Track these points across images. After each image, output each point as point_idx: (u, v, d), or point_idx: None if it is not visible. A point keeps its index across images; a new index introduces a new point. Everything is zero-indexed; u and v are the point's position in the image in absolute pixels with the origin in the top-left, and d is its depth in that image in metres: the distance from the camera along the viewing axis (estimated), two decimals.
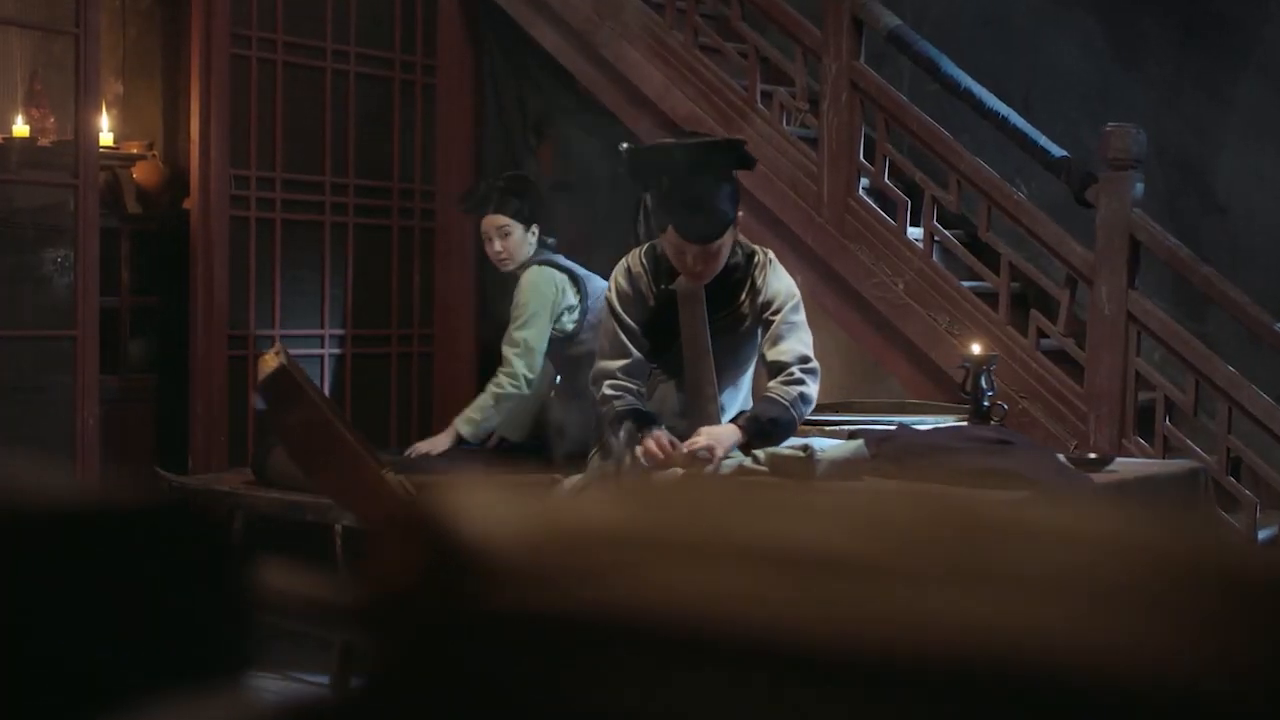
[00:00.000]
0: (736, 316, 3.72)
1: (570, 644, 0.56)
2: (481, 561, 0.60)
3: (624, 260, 3.78)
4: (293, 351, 4.55)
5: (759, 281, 3.71)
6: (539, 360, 4.98)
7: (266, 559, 0.85)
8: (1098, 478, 3.49)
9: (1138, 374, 5.01)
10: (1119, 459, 3.92)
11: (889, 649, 0.48)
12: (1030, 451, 3.35)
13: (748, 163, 3.73)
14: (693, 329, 3.65)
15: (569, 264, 5.15)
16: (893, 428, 3.60)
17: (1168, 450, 4.96)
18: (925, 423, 3.86)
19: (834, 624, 0.49)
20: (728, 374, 3.75)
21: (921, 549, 0.50)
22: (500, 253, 5.11)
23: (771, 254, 3.80)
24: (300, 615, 0.85)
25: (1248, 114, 5.81)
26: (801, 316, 3.71)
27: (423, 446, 5.07)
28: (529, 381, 4.95)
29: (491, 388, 5.03)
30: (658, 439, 3.49)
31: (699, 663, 0.52)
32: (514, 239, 5.10)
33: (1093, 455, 3.80)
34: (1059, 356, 5.19)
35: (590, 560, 0.57)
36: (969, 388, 3.85)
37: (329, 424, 3.35)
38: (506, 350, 5.00)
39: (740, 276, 3.70)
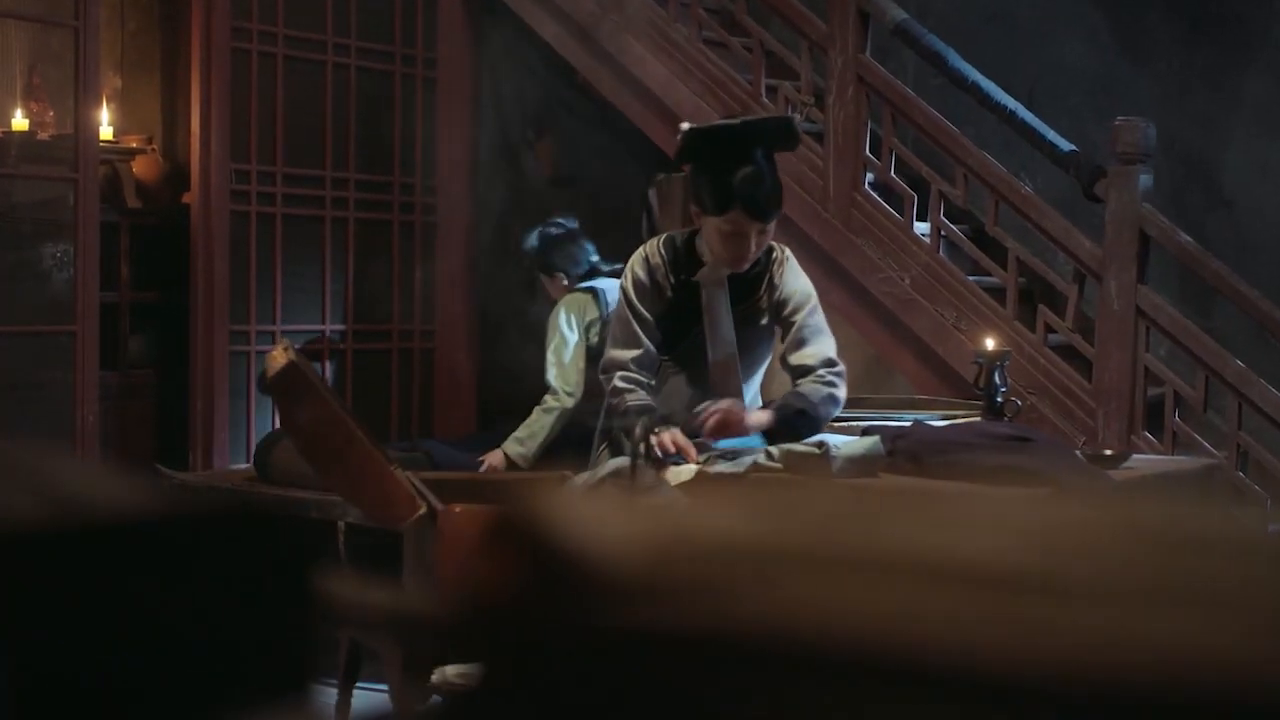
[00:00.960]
0: (754, 311, 3.67)
1: (696, 664, 0.53)
2: (589, 574, 0.57)
3: (641, 251, 3.72)
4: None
5: (776, 278, 3.67)
6: (573, 374, 5.07)
7: (338, 567, 0.82)
8: (1115, 475, 3.46)
9: (1146, 369, 4.98)
10: (1135, 456, 3.89)
11: (1086, 675, 0.45)
12: (1049, 448, 3.31)
13: (794, 142, 3.70)
14: (717, 320, 3.60)
15: (595, 281, 5.24)
16: (908, 424, 3.56)
17: (1176, 446, 4.93)
18: (934, 419, 3.82)
19: (1019, 647, 0.46)
20: (742, 369, 3.71)
21: (1118, 566, 0.47)
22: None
23: (789, 251, 3.76)
24: (379, 628, 0.82)
25: (1254, 108, 5.79)
26: (822, 318, 3.67)
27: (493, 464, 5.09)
28: (569, 395, 5.04)
29: (538, 407, 5.12)
30: (673, 436, 3.45)
31: (852, 687, 0.49)
32: (550, 287, 5.32)
33: (1109, 452, 3.77)
34: (1067, 352, 5.16)
35: (718, 573, 0.53)
36: (982, 384, 3.82)
37: (341, 420, 3.31)
38: (547, 374, 5.12)
39: (759, 270, 3.66)
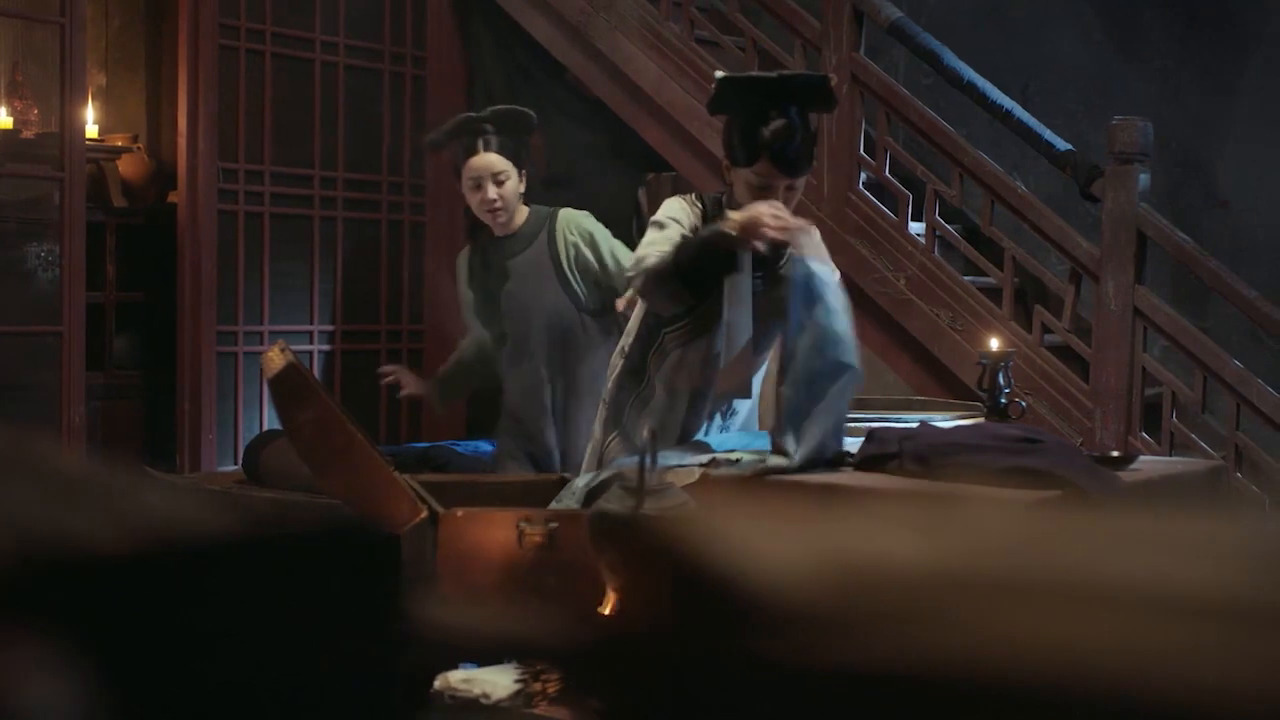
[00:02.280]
0: (776, 278, 3.58)
1: (879, 704, 0.48)
2: (748, 602, 0.52)
3: (670, 205, 3.57)
4: None
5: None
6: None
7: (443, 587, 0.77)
8: (1124, 477, 3.42)
9: (1144, 370, 4.96)
10: (1142, 457, 3.86)
11: None
12: (1059, 449, 3.27)
13: (830, 103, 3.62)
14: (738, 280, 3.49)
15: None
16: (913, 425, 3.52)
17: (1174, 447, 4.91)
18: (939, 419, 3.78)
19: (1251, 684, 0.41)
20: (760, 337, 3.57)
21: None
22: (494, 201, 4.57)
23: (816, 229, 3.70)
24: (491, 653, 0.77)
25: (1251, 107, 5.77)
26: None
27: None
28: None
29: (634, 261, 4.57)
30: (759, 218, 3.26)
31: None
32: (509, 185, 4.62)
33: (1116, 453, 3.74)
34: (1063, 352, 5.13)
35: (898, 603, 0.48)
36: (986, 385, 3.77)
37: (341, 422, 3.26)
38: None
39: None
